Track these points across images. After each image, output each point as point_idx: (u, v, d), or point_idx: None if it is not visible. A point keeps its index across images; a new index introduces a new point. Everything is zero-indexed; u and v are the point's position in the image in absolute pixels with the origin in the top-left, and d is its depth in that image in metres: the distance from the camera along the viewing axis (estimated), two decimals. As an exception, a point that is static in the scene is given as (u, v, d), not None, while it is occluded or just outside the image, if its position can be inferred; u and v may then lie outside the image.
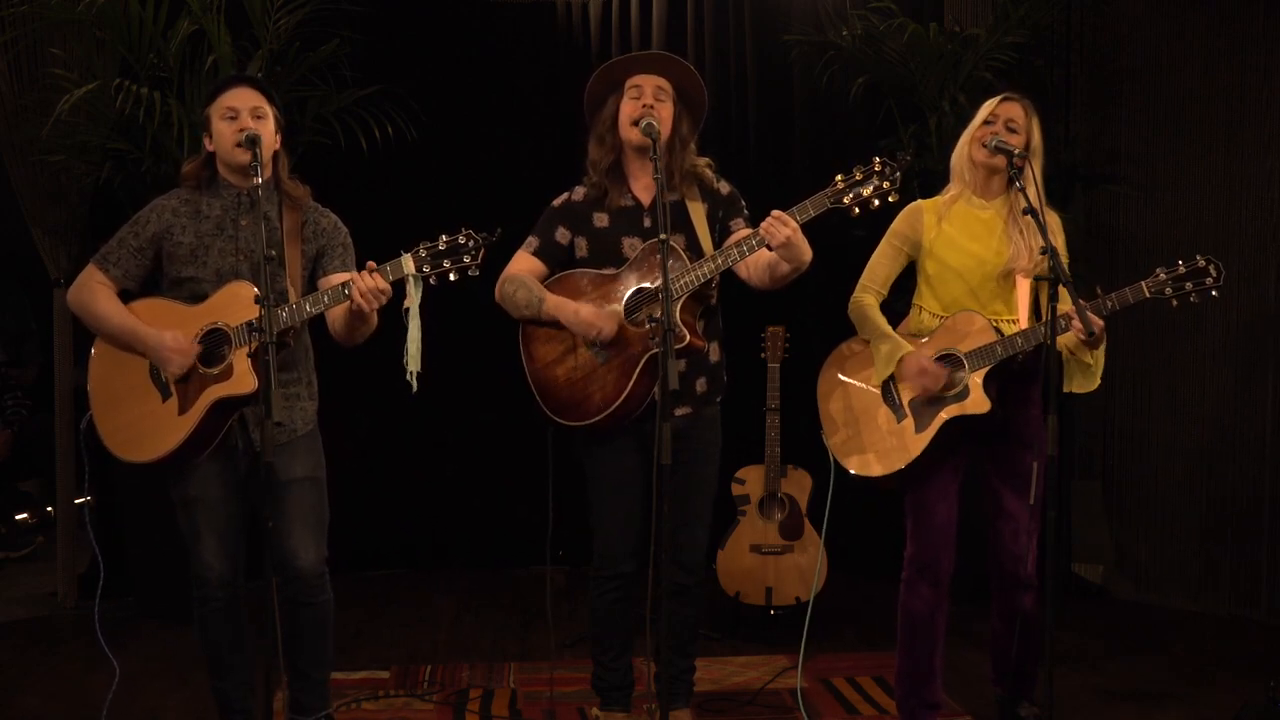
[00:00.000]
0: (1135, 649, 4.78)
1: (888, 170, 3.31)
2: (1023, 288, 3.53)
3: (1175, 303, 3.35)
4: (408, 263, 3.20)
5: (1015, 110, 3.58)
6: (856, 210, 3.32)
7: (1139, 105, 5.50)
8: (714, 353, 3.76)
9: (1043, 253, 3.31)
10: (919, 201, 3.72)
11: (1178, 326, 5.38)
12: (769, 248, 3.36)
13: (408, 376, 3.26)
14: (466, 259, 3.20)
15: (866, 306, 3.71)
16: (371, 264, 3.24)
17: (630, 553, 3.66)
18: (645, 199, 3.64)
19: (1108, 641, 4.85)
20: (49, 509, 6.20)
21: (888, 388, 3.62)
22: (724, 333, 3.83)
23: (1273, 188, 5.13)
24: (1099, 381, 3.57)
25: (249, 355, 3.27)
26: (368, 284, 3.20)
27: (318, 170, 5.31)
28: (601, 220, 3.65)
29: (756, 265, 3.58)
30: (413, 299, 3.19)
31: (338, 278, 3.42)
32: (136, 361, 3.39)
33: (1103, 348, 3.47)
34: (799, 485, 4.90)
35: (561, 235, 3.68)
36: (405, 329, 3.23)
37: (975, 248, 3.58)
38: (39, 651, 4.74)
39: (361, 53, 5.30)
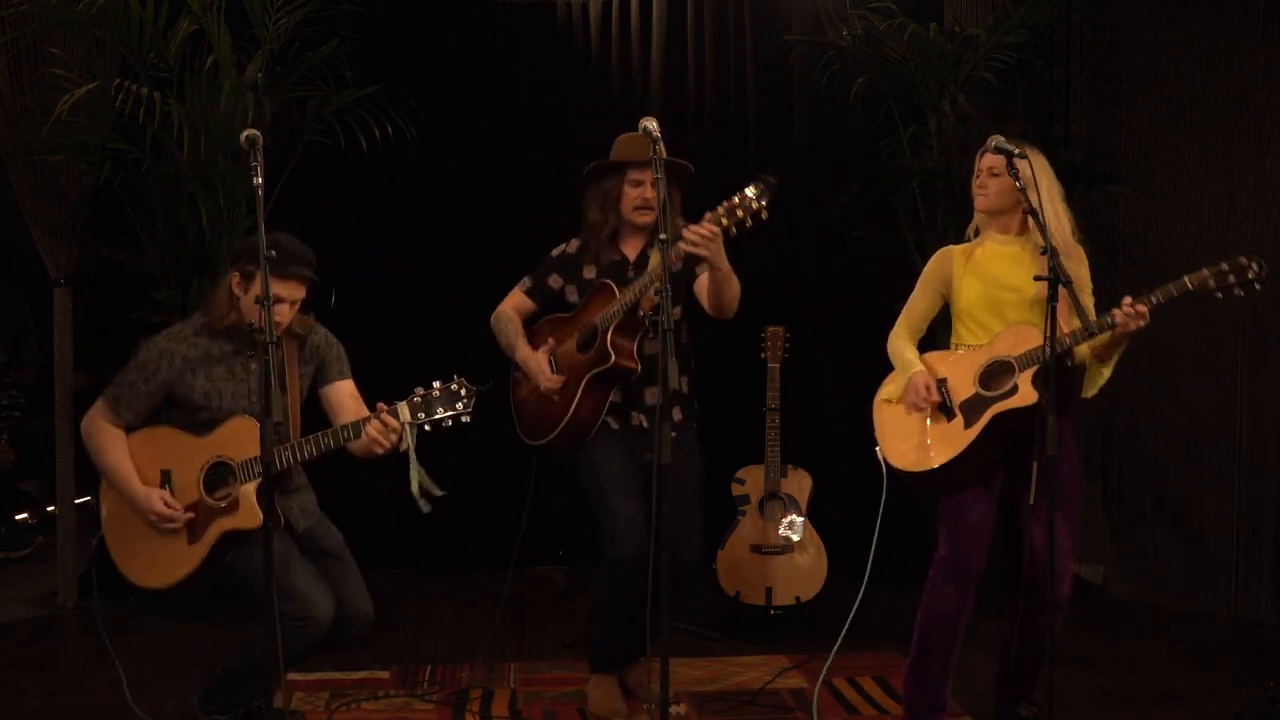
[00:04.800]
0: (1135, 649, 4.79)
1: (759, 192, 3.60)
2: (1061, 304, 3.49)
3: (1220, 295, 3.40)
4: (403, 411, 3.38)
5: (990, 160, 3.66)
6: (734, 230, 3.61)
7: (1139, 105, 5.50)
8: (684, 385, 4.08)
9: (1043, 253, 3.33)
10: (949, 246, 3.83)
11: (1178, 326, 5.38)
12: (693, 254, 3.66)
13: (419, 503, 3.46)
14: (460, 406, 3.38)
15: (895, 340, 3.85)
16: (381, 405, 3.39)
17: (632, 534, 3.85)
18: (631, 256, 4.09)
19: (1108, 641, 4.85)
20: (49, 509, 6.20)
21: (940, 394, 3.68)
22: (702, 354, 4.22)
23: (1273, 188, 5.13)
24: (1097, 389, 3.68)
25: (258, 493, 3.44)
26: (378, 429, 3.38)
27: (318, 170, 5.35)
28: (590, 272, 4.10)
29: (703, 291, 3.97)
30: (409, 444, 3.40)
31: (340, 387, 3.68)
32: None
33: (1117, 356, 3.55)
34: (799, 485, 4.90)
35: (554, 281, 4.16)
36: (407, 469, 3.43)
37: (1006, 280, 3.66)
38: (39, 651, 4.74)
39: (361, 53, 5.29)
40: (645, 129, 3.45)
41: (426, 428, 3.38)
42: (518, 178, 5.84)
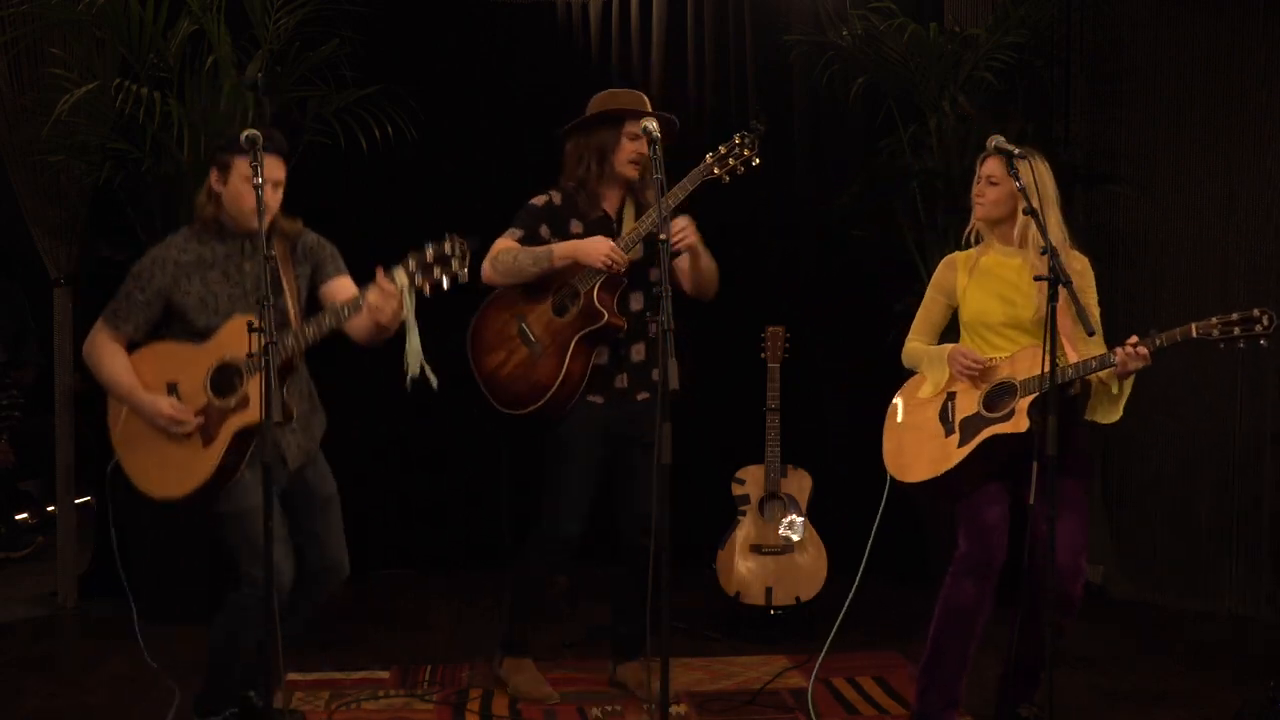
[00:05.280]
0: (1135, 649, 4.79)
1: (747, 140, 3.82)
2: (1062, 322, 3.54)
3: (1222, 346, 3.36)
4: (400, 276, 3.34)
5: (990, 166, 3.65)
6: (727, 178, 3.79)
7: (1139, 105, 5.50)
8: (644, 353, 4.12)
9: (1043, 253, 3.33)
10: (953, 254, 3.84)
11: (1177, 325, 5.37)
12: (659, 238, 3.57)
13: (407, 382, 3.39)
14: (455, 264, 3.33)
15: (913, 348, 3.86)
16: (380, 269, 3.36)
17: (576, 517, 4.05)
18: (612, 212, 4.12)
19: (1108, 641, 4.84)
20: (49, 509, 6.20)
21: (945, 408, 3.71)
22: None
23: (1273, 188, 5.13)
24: (1121, 413, 3.62)
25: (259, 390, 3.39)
26: (378, 296, 3.35)
27: (318, 170, 5.35)
28: (577, 228, 4.06)
29: (683, 273, 4.06)
30: (409, 309, 3.35)
31: (338, 283, 3.67)
32: None
33: (1132, 379, 3.51)
34: (799, 485, 4.90)
35: (544, 231, 4.07)
36: (404, 338, 3.39)
37: (1004, 294, 3.68)
38: (39, 651, 4.74)
39: (361, 53, 5.29)
40: (645, 129, 3.47)
41: (426, 291, 3.35)
42: (518, 178, 5.81)
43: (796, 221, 5.95)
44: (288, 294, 3.53)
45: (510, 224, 4.08)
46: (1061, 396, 3.48)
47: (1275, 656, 4.65)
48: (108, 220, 5.35)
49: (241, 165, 3.44)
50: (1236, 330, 3.34)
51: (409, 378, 3.39)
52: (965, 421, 3.65)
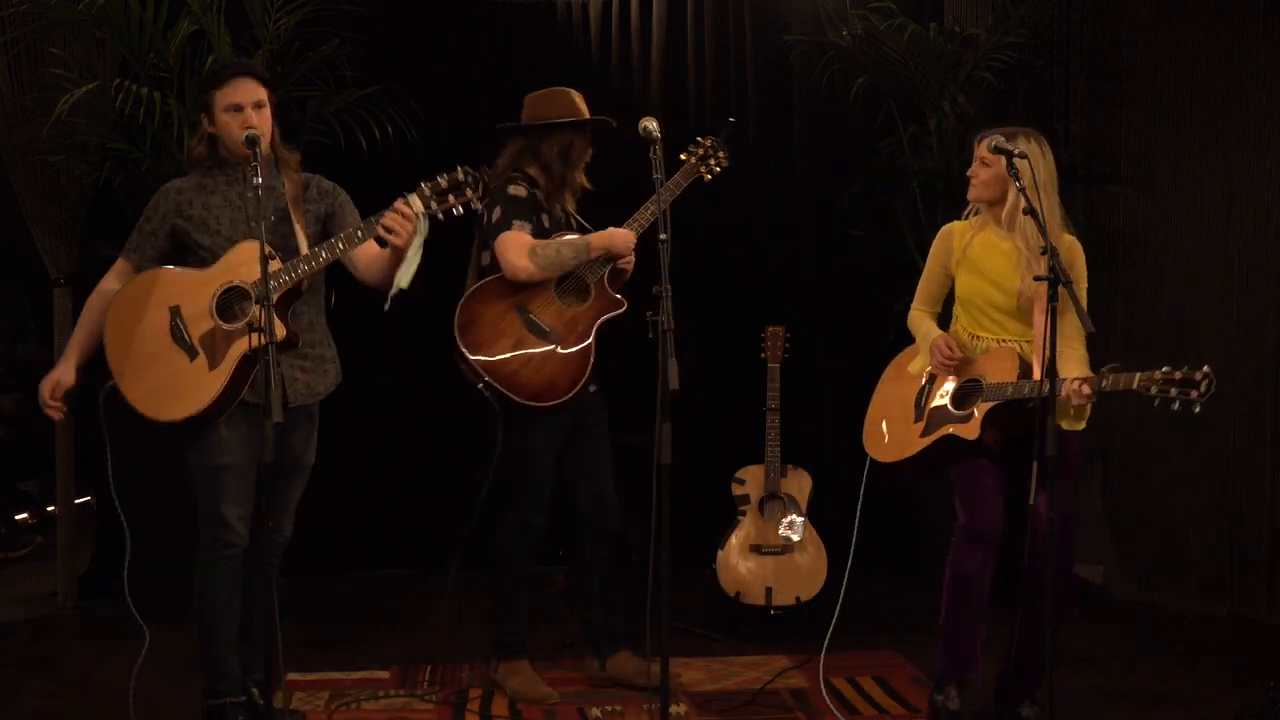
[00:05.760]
0: (1135, 649, 4.78)
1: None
2: (1038, 323, 3.60)
3: (1157, 403, 3.37)
4: (415, 202, 3.45)
5: (980, 147, 3.71)
6: (441, 216, 3.59)
7: (1139, 105, 5.49)
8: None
9: (1042, 252, 3.33)
10: (951, 224, 3.91)
11: (1178, 326, 5.38)
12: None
13: (393, 289, 3.55)
14: (469, 193, 3.48)
15: (914, 317, 3.96)
16: (401, 199, 3.46)
17: (544, 510, 4.20)
18: (571, 209, 4.26)
19: (1108, 641, 4.84)
20: (49, 509, 6.20)
21: (922, 391, 3.83)
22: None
23: (1273, 188, 5.13)
24: (1085, 424, 3.73)
25: (276, 310, 3.44)
26: (395, 219, 3.42)
27: (318, 170, 5.33)
28: (546, 221, 4.16)
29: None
30: (420, 234, 3.48)
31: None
32: (155, 325, 3.53)
33: (1088, 404, 3.58)
34: (799, 485, 4.90)
35: (543, 220, 4.15)
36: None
37: (993, 279, 3.75)
38: (39, 651, 4.74)
39: (361, 53, 5.29)
40: (645, 129, 3.47)
41: (440, 217, 3.47)
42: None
43: (796, 221, 5.95)
44: (296, 224, 3.57)
45: (506, 219, 4.08)
46: (1023, 409, 3.57)
47: (1275, 656, 4.65)
48: (108, 220, 5.34)
49: (219, 97, 3.53)
50: (1173, 391, 3.36)
51: (391, 295, 3.53)
52: (933, 411, 3.78)
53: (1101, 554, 5.60)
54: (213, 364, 3.49)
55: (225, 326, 3.48)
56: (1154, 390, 3.36)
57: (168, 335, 3.52)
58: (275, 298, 3.37)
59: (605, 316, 4.09)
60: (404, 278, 3.51)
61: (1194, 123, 5.33)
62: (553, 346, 4.04)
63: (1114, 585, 5.55)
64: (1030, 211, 3.43)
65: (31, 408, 6.29)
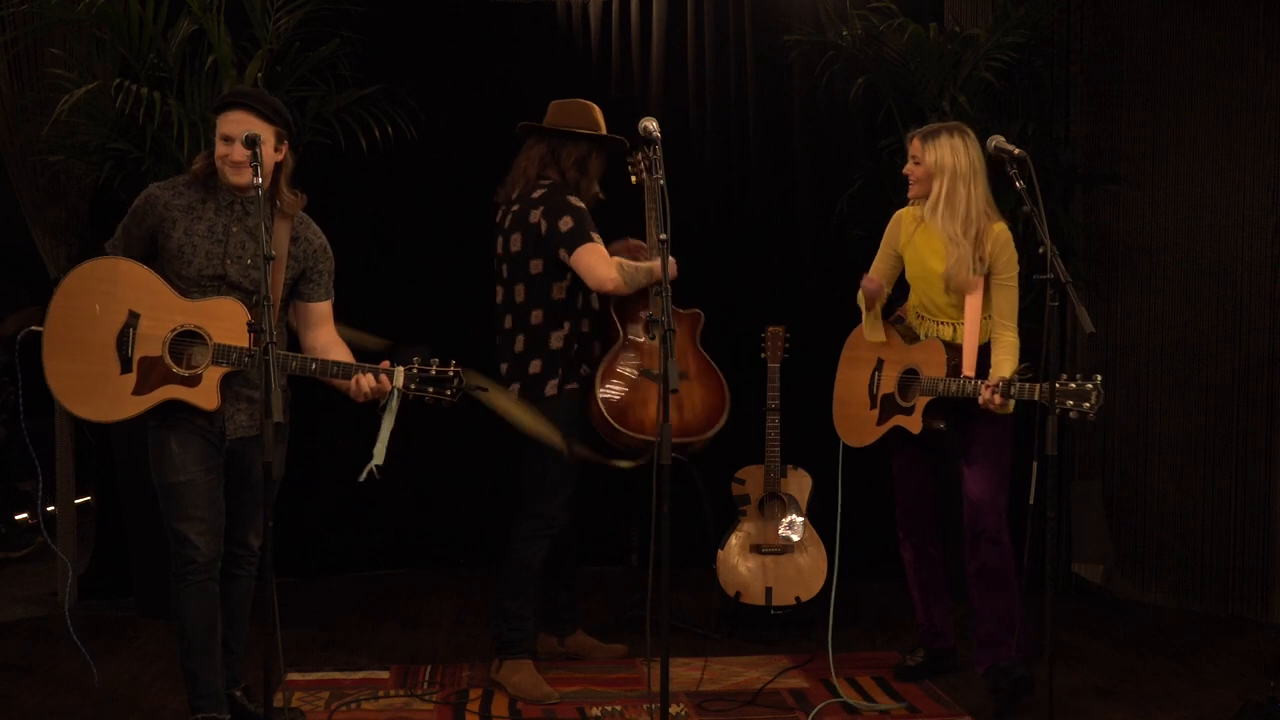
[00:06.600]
0: (1135, 649, 4.78)
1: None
2: (971, 306, 3.91)
3: (1055, 413, 3.47)
4: (399, 377, 3.48)
5: (912, 146, 4.06)
6: (409, 398, 3.59)
7: (1139, 105, 5.49)
8: (558, 341, 4.26)
9: (1042, 252, 3.35)
10: (900, 210, 4.24)
11: (1177, 326, 5.38)
12: None
13: (370, 465, 3.52)
14: (448, 393, 3.50)
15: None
16: (386, 364, 3.49)
17: (570, 507, 4.28)
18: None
19: (1108, 641, 4.85)
20: (49, 509, 6.20)
21: (873, 378, 4.15)
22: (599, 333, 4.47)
23: (1272, 188, 5.13)
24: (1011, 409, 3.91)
25: (221, 379, 3.45)
26: (370, 385, 3.47)
27: (318, 170, 5.34)
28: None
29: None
30: (392, 408, 3.49)
31: (319, 308, 3.69)
32: (109, 318, 3.47)
33: (1012, 401, 3.79)
34: (799, 485, 4.90)
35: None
36: (379, 426, 3.52)
37: (930, 261, 4.06)
38: (39, 651, 4.74)
39: (361, 53, 5.29)
40: (645, 129, 3.47)
41: (409, 398, 3.49)
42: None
43: (796, 221, 5.95)
44: (275, 272, 3.51)
45: (582, 229, 4.16)
46: (958, 399, 3.87)
47: (1275, 656, 4.65)
48: (108, 220, 5.33)
49: (217, 123, 3.50)
50: (1069, 401, 3.48)
51: (368, 467, 3.50)
52: (884, 399, 4.14)
53: (1101, 554, 5.61)
54: (138, 389, 3.44)
55: (167, 363, 3.44)
56: (1056, 400, 3.47)
57: (114, 336, 3.47)
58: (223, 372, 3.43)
59: (697, 330, 4.49)
60: (379, 454, 3.50)
61: (1194, 123, 5.33)
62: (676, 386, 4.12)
63: (1114, 585, 5.56)
64: (1031, 212, 3.44)
65: (31, 410, 6.32)
